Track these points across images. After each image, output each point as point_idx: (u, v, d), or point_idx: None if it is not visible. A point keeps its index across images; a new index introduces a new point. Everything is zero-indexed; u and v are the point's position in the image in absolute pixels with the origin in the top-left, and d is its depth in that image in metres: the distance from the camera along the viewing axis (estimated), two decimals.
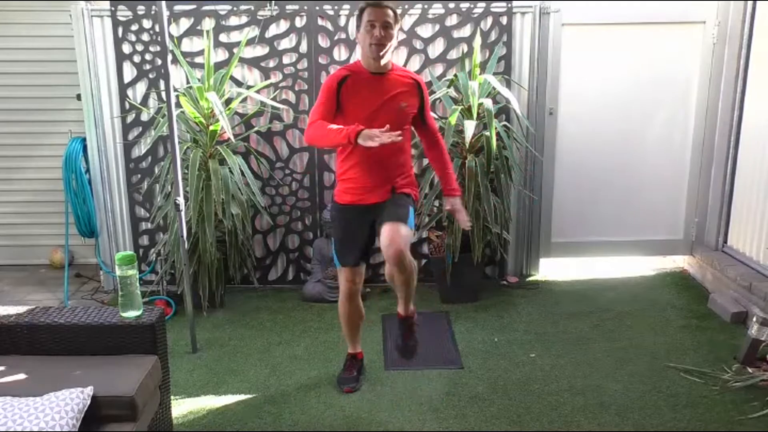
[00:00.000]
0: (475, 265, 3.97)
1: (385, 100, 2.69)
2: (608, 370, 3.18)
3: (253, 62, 4.08)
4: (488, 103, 3.73)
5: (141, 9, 3.99)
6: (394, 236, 2.58)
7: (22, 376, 2.12)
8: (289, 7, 4.00)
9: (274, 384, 3.10)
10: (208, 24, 4.01)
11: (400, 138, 2.39)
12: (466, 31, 4.08)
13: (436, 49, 4.10)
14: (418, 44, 4.09)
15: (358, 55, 4.05)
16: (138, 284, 2.34)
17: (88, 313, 2.35)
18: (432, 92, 3.92)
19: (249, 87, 4.06)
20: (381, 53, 2.63)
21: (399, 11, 2.72)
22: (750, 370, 3.10)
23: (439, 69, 4.12)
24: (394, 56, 2.98)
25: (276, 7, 3.99)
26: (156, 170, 4.12)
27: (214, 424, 2.77)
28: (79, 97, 4.10)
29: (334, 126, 2.54)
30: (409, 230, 2.69)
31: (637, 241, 4.55)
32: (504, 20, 4.06)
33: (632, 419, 2.76)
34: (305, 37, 4.05)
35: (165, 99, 3.26)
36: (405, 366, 3.24)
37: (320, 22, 4.03)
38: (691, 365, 3.20)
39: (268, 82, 4.08)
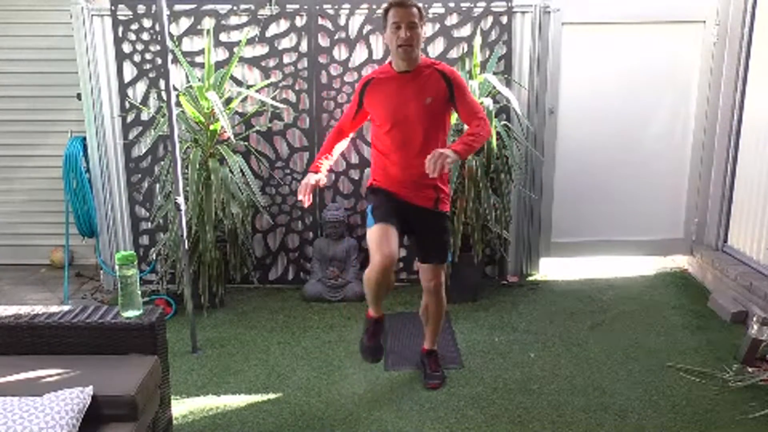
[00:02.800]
0: (475, 265, 3.97)
1: (410, 97, 2.69)
2: (608, 370, 3.18)
3: (253, 61, 4.08)
4: (488, 102, 3.73)
5: (141, 8, 3.99)
6: (436, 274, 2.93)
7: (22, 376, 2.12)
8: (290, 7, 4.00)
9: (274, 384, 3.10)
10: (208, 23, 4.00)
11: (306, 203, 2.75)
12: (466, 31, 4.08)
13: (436, 48, 4.10)
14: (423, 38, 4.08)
15: (358, 55, 4.09)
16: (138, 284, 2.34)
17: (88, 313, 2.34)
18: None
19: (249, 86, 4.06)
20: (409, 54, 2.65)
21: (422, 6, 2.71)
22: (750, 370, 3.10)
23: None
24: None
25: (276, 6, 3.99)
26: (156, 170, 4.12)
27: (214, 424, 2.77)
28: (79, 96, 4.10)
29: (321, 152, 2.92)
30: (446, 265, 3.01)
31: (637, 241, 4.55)
32: (504, 19, 4.06)
33: (632, 419, 2.76)
34: (305, 37, 4.05)
35: (165, 98, 3.26)
36: (405, 366, 3.25)
37: (320, 21, 4.03)
38: (691, 365, 3.20)
39: (268, 81, 4.08)
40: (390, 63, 2.78)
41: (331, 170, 4.20)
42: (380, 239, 2.68)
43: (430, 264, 2.92)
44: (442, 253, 2.94)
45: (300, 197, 2.75)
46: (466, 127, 2.81)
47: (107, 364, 2.20)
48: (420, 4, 2.70)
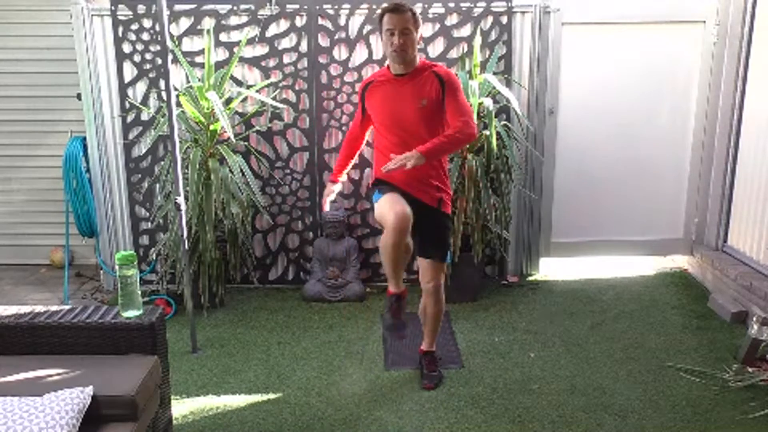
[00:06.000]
0: (475, 265, 3.97)
1: (407, 99, 2.72)
2: (608, 370, 3.18)
3: (253, 61, 4.08)
4: (488, 102, 3.73)
5: (141, 8, 3.98)
6: (435, 274, 2.92)
7: (22, 376, 2.12)
8: (290, 7, 3.99)
9: (274, 384, 3.10)
10: (208, 23, 4.00)
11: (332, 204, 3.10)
12: (466, 31, 4.08)
13: (437, 48, 4.10)
14: (419, 42, 4.07)
15: (358, 55, 4.10)
16: (138, 284, 2.34)
17: (88, 313, 2.35)
18: None
19: (249, 86, 4.06)
20: (403, 59, 2.68)
21: (418, 11, 2.74)
22: (750, 370, 3.10)
23: None
24: None
25: (276, 7, 3.99)
26: (156, 170, 4.12)
27: (214, 424, 2.77)
28: (79, 96, 4.10)
29: (337, 162, 3.13)
30: (445, 265, 3.01)
31: (637, 241, 4.55)
32: (504, 19, 4.06)
33: (632, 419, 2.76)
34: (305, 37, 4.05)
35: (165, 98, 3.26)
36: (405, 366, 3.25)
37: (320, 21, 4.03)
38: (691, 365, 3.20)
39: (268, 81, 4.08)
40: (388, 66, 2.81)
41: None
42: (391, 202, 2.64)
43: (430, 260, 2.91)
44: (441, 249, 2.93)
45: (325, 208, 3.11)
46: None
47: (107, 364, 2.20)
48: (414, 8, 2.71)
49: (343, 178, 3.12)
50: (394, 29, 2.63)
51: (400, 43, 2.63)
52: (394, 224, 2.57)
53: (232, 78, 4.03)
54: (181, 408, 2.88)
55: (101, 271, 4.41)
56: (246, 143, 4.10)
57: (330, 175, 3.17)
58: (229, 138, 3.64)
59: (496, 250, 4.25)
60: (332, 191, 3.07)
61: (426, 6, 4.01)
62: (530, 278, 4.45)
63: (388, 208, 2.63)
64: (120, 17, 3.99)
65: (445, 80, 2.73)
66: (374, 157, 2.97)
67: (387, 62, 2.83)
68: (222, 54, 4.05)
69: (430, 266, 2.92)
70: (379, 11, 2.74)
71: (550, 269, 4.55)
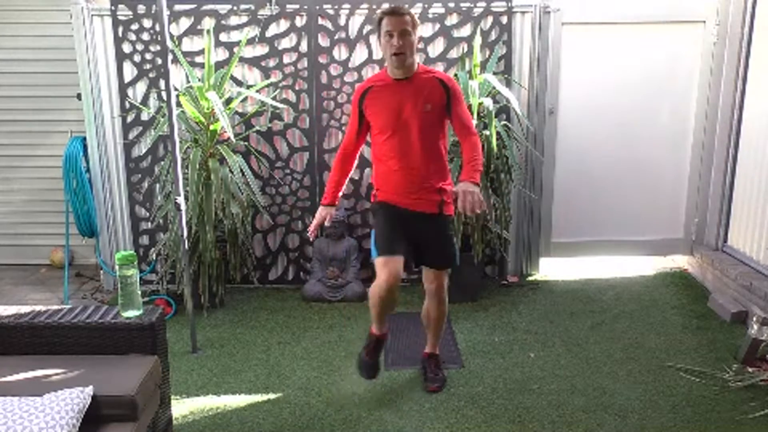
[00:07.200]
0: (475, 265, 3.97)
1: (409, 104, 2.69)
2: (608, 370, 3.18)
3: (253, 61, 4.08)
4: (488, 102, 3.73)
5: (141, 8, 3.99)
6: (439, 277, 2.89)
7: (22, 376, 2.12)
8: (290, 7, 4.00)
9: (274, 384, 3.10)
10: (208, 23, 4.01)
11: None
12: (466, 31, 4.08)
13: (436, 48, 4.10)
14: (418, 44, 4.08)
15: (358, 55, 4.10)
16: (138, 284, 2.34)
17: (88, 313, 2.35)
18: None
19: (249, 86, 4.06)
20: (403, 62, 2.66)
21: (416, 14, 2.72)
22: (750, 369, 3.10)
23: (439, 68, 4.12)
24: None
25: (276, 6, 3.99)
26: (156, 170, 4.12)
27: (214, 424, 2.77)
28: (79, 96, 4.10)
29: (330, 183, 2.93)
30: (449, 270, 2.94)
31: (637, 241, 4.55)
32: (504, 19, 4.06)
33: (632, 419, 2.76)
34: (305, 37, 4.05)
35: (165, 98, 3.26)
36: (405, 366, 3.25)
37: (320, 21, 4.04)
38: (691, 365, 3.20)
39: (268, 81, 4.08)
40: (385, 70, 2.79)
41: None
42: (386, 261, 2.75)
43: (434, 269, 2.90)
44: (446, 258, 2.90)
45: (310, 232, 2.91)
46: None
47: (107, 364, 2.20)
48: (413, 11, 2.70)
49: (337, 201, 2.97)
50: (393, 31, 2.62)
51: (399, 45, 2.61)
52: (386, 281, 2.70)
53: (232, 78, 4.03)
54: (181, 408, 2.88)
55: (101, 271, 4.41)
56: (246, 143, 4.10)
57: (322, 198, 2.94)
58: (229, 138, 3.65)
59: (496, 250, 4.25)
60: (330, 214, 2.92)
61: (426, 6, 4.01)
62: (530, 278, 4.46)
63: (382, 264, 2.75)
64: (120, 17, 4.00)
65: (450, 88, 2.74)
66: (373, 164, 2.90)
67: (385, 65, 2.80)
68: (222, 54, 4.05)
69: (433, 272, 2.90)
70: (377, 15, 2.72)
71: (550, 269, 4.55)
